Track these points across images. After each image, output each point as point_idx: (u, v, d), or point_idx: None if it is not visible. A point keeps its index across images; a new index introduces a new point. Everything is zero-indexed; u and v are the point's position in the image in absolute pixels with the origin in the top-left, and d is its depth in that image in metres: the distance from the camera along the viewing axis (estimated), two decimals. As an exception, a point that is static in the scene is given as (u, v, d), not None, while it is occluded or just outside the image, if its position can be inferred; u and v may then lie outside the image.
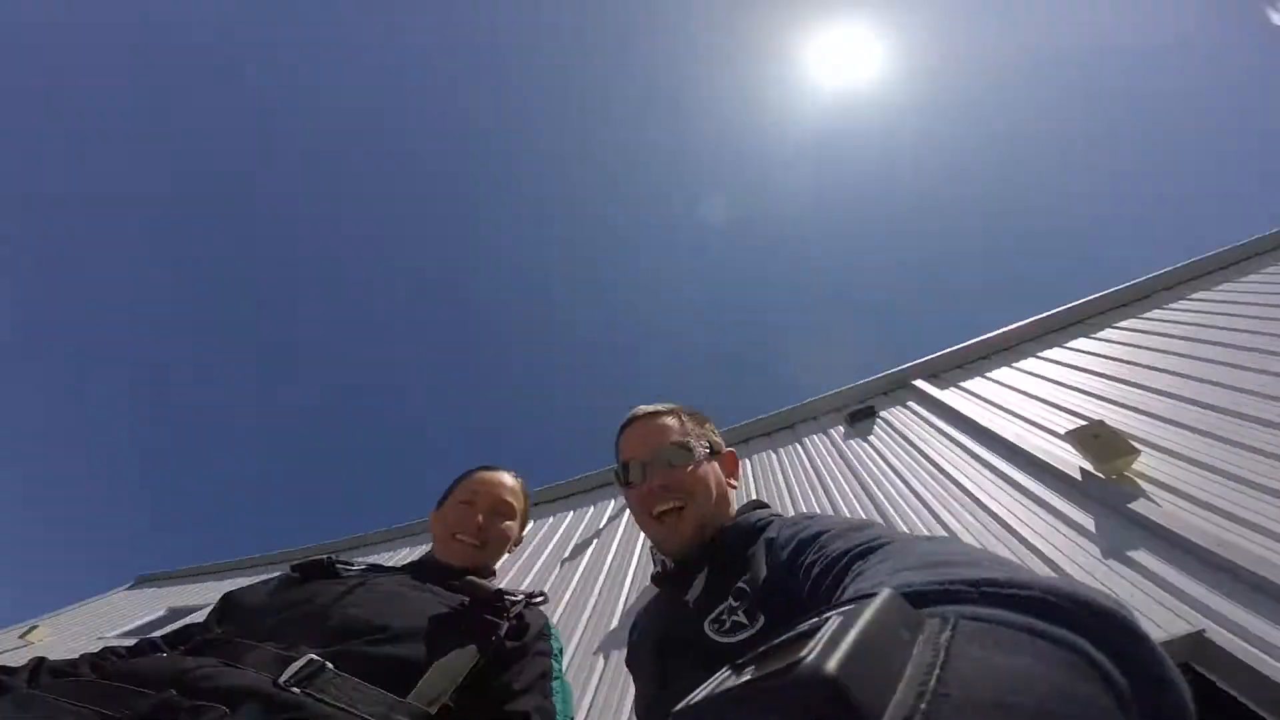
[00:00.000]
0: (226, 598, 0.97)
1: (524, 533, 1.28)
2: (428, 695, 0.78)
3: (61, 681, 0.72)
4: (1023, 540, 2.59)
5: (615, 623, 3.25)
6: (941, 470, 3.45)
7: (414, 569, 1.09)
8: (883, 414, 4.78)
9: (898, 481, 3.55)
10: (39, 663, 0.79)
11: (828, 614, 0.26)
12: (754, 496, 2.40)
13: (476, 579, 1.00)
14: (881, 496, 3.44)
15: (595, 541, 4.68)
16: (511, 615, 0.97)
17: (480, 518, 1.14)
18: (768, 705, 0.21)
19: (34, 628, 7.32)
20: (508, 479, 1.24)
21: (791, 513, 1.23)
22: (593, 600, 3.65)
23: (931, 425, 4.15)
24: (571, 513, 5.66)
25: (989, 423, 3.70)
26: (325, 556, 1.03)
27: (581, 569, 4.24)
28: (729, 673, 0.26)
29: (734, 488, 0.99)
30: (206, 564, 9.20)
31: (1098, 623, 0.26)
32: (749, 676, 0.23)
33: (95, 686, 0.68)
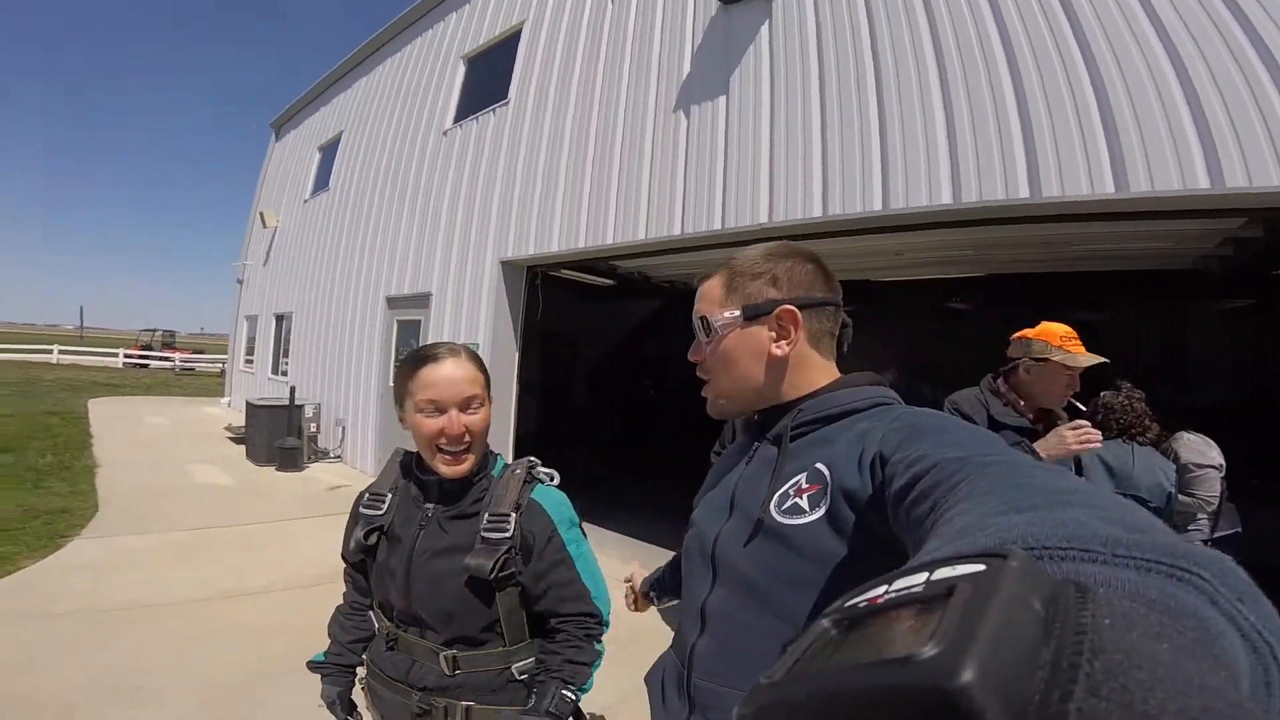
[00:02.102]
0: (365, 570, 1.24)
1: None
2: (515, 639, 1.15)
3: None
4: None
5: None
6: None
7: (424, 492, 1.18)
8: None
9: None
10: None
11: (944, 571, 0.22)
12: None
13: (471, 563, 1.08)
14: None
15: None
16: (515, 549, 1.12)
17: (455, 425, 1.10)
18: (876, 704, 0.17)
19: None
20: (461, 368, 1.12)
21: None
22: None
23: None
24: None
25: None
26: (378, 530, 1.18)
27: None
28: (828, 631, 0.22)
29: (779, 354, 0.83)
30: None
31: (1253, 612, 0.22)
32: (855, 657, 0.20)
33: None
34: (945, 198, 3.29)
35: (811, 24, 4.00)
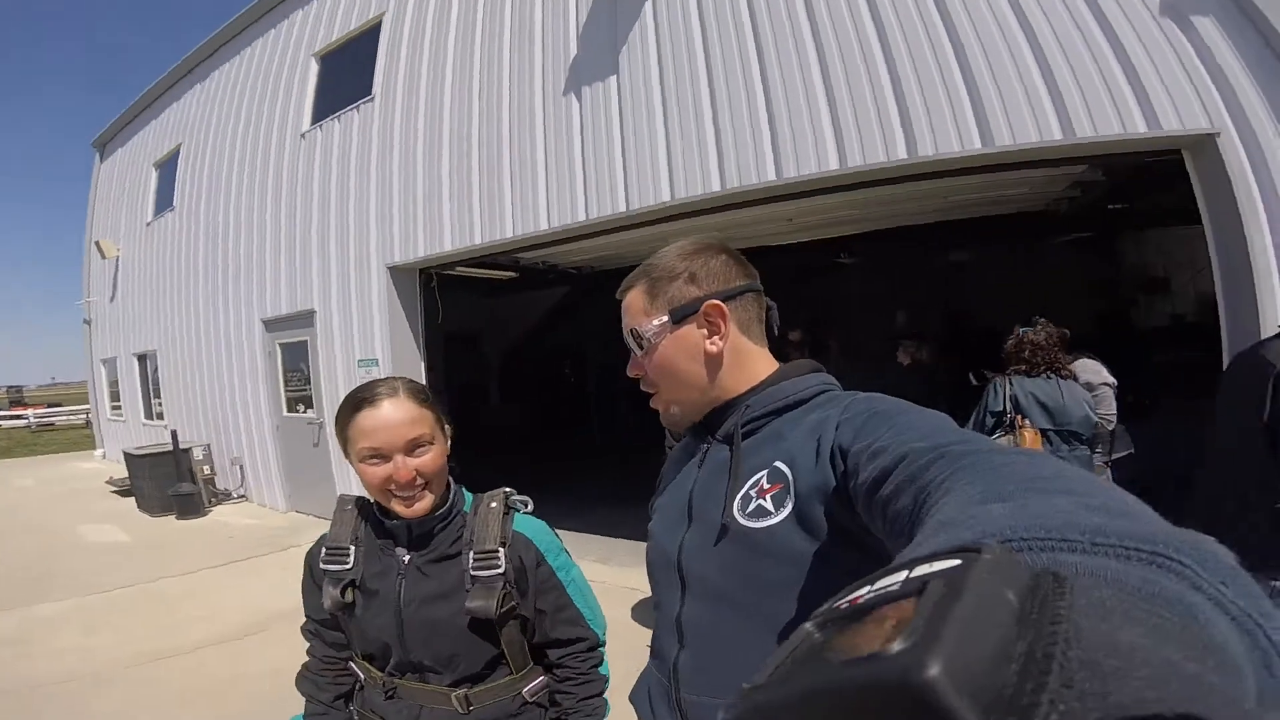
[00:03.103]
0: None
1: (449, 430, 1.16)
2: (521, 665, 1.14)
3: None
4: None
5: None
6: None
7: (393, 538, 1.13)
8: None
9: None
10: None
11: (922, 569, 0.22)
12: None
13: (473, 605, 1.06)
14: None
15: None
16: (510, 583, 1.10)
17: (402, 472, 1.04)
18: (850, 702, 0.17)
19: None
20: (400, 409, 1.05)
21: None
22: None
23: None
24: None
25: None
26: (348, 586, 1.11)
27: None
28: (811, 634, 0.22)
29: (714, 350, 0.83)
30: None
31: (1239, 594, 0.22)
32: (832, 658, 0.20)
33: None
34: (832, 164, 3.42)
35: (693, -1, 3.97)
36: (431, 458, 1.07)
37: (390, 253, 5.65)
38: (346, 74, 6.52)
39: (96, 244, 10.81)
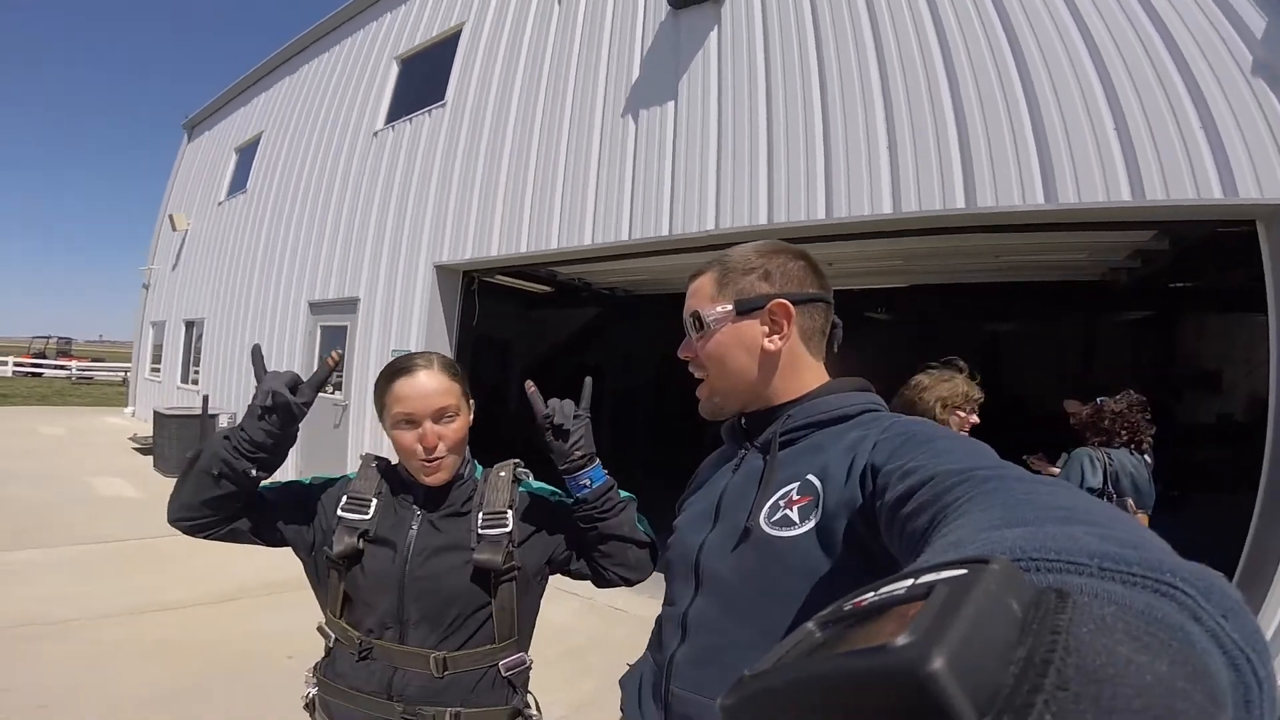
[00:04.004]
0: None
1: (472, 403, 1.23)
2: (505, 635, 1.16)
3: None
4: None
5: None
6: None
7: (414, 496, 1.19)
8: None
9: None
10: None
11: (929, 576, 0.22)
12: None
13: (481, 556, 1.11)
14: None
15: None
16: (514, 542, 1.15)
17: (429, 437, 1.11)
18: (850, 689, 0.18)
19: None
20: (434, 379, 1.14)
21: None
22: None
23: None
24: None
25: None
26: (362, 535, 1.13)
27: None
28: (812, 633, 0.23)
29: (772, 348, 0.82)
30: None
31: (1237, 629, 0.22)
32: (835, 650, 0.20)
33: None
34: (886, 207, 3.37)
35: (759, 31, 4.04)
36: (456, 427, 1.15)
37: (439, 252, 5.79)
38: (423, 79, 6.82)
39: (170, 216, 11.51)
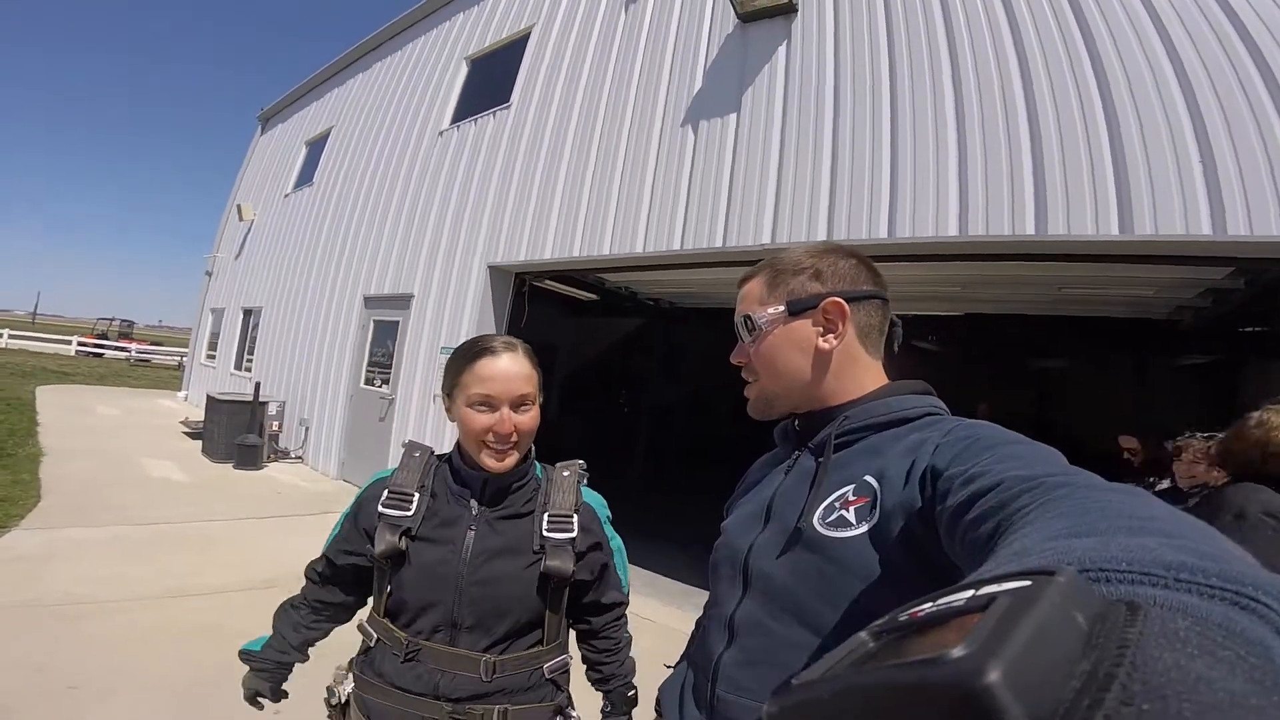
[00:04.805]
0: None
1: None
2: (553, 638, 1.15)
3: None
4: None
5: None
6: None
7: (472, 490, 1.15)
8: None
9: None
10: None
11: (990, 588, 0.22)
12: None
13: (553, 564, 1.10)
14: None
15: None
16: (575, 548, 1.13)
17: (505, 424, 1.08)
18: (900, 702, 0.18)
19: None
20: (517, 364, 1.11)
21: None
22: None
23: None
24: None
25: None
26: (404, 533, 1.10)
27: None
28: (865, 643, 0.23)
29: (826, 347, 0.81)
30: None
31: None
32: (887, 661, 0.20)
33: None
34: (951, 230, 3.34)
35: (830, 47, 4.07)
36: (530, 417, 1.12)
37: (494, 253, 5.94)
38: (490, 80, 7.03)
39: (238, 206, 12.02)
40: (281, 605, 1.25)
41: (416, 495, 1.13)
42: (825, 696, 0.20)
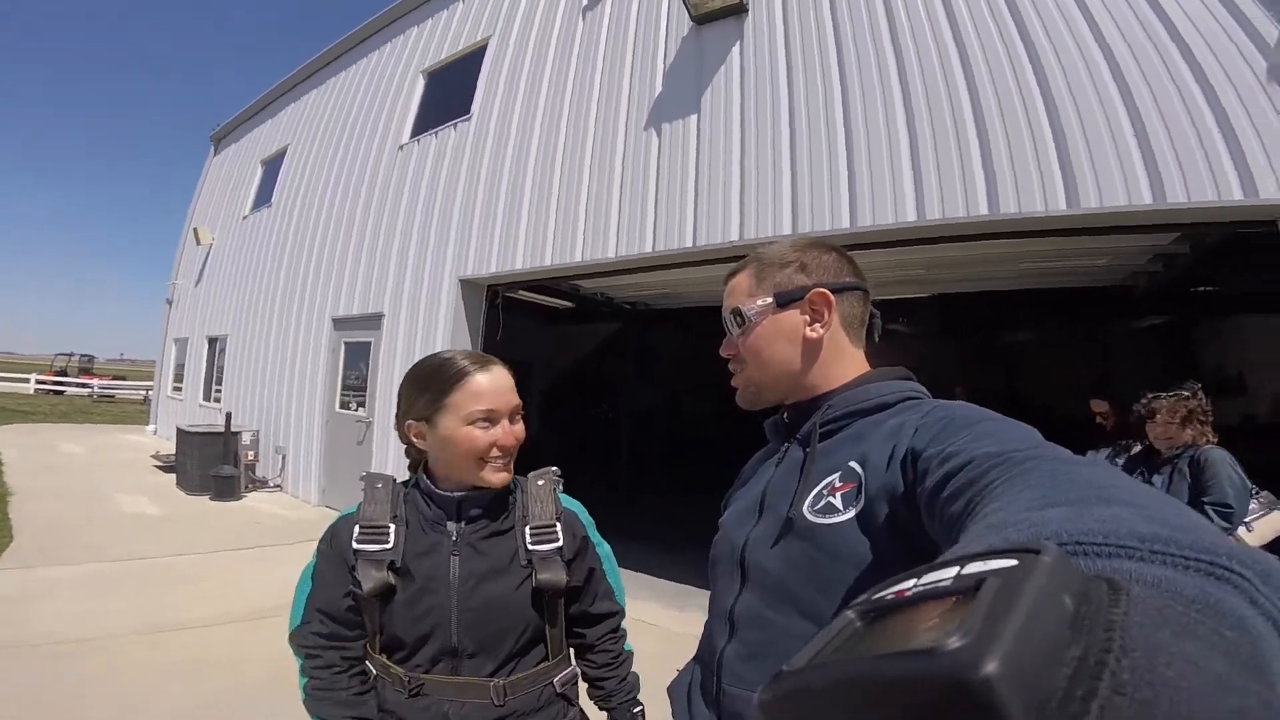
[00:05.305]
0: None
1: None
2: (557, 651, 1.13)
3: None
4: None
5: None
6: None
7: (447, 512, 1.10)
8: None
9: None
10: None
11: (976, 565, 0.22)
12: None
13: (545, 577, 1.07)
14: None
15: None
16: (563, 557, 1.11)
17: (509, 436, 1.07)
18: (895, 693, 0.17)
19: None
20: (506, 376, 1.10)
21: None
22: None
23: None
24: None
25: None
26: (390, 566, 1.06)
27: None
28: (853, 622, 0.22)
29: (814, 336, 0.84)
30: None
31: None
32: (878, 647, 0.20)
33: None
34: (910, 215, 3.45)
35: (781, 45, 4.17)
36: (522, 428, 1.11)
37: (464, 266, 5.90)
38: (449, 92, 6.97)
39: (194, 230, 11.66)
40: (309, 696, 1.08)
41: (392, 527, 1.07)
42: (817, 685, 0.20)
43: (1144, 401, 2.82)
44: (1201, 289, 4.75)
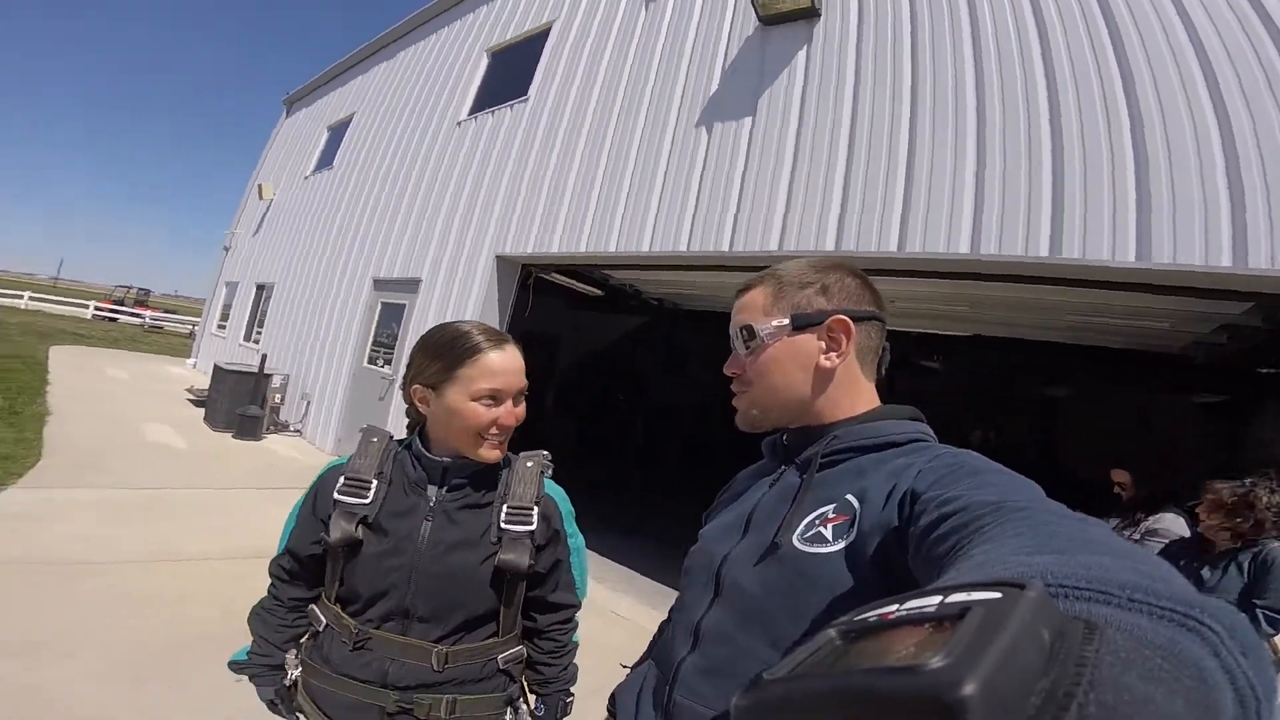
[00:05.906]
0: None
1: None
2: (509, 629, 1.14)
3: None
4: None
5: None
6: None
7: (430, 476, 1.12)
8: None
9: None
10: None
11: (960, 595, 0.23)
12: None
13: (507, 558, 1.07)
14: None
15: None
16: (533, 542, 1.11)
17: (510, 417, 1.09)
18: (873, 707, 0.18)
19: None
20: (518, 359, 1.11)
21: None
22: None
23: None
24: None
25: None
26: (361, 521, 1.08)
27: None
28: (833, 640, 0.23)
29: (828, 365, 0.80)
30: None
31: (1252, 667, 0.23)
32: (858, 664, 0.21)
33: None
34: (963, 247, 3.26)
35: (851, 53, 4.00)
36: (524, 409, 1.13)
37: (503, 243, 5.94)
38: (509, 73, 7.06)
39: (259, 185, 12.28)
40: (254, 610, 1.19)
41: (374, 483, 1.10)
42: (797, 695, 0.20)
43: (1246, 484, 2.45)
44: (1271, 370, 4.41)
